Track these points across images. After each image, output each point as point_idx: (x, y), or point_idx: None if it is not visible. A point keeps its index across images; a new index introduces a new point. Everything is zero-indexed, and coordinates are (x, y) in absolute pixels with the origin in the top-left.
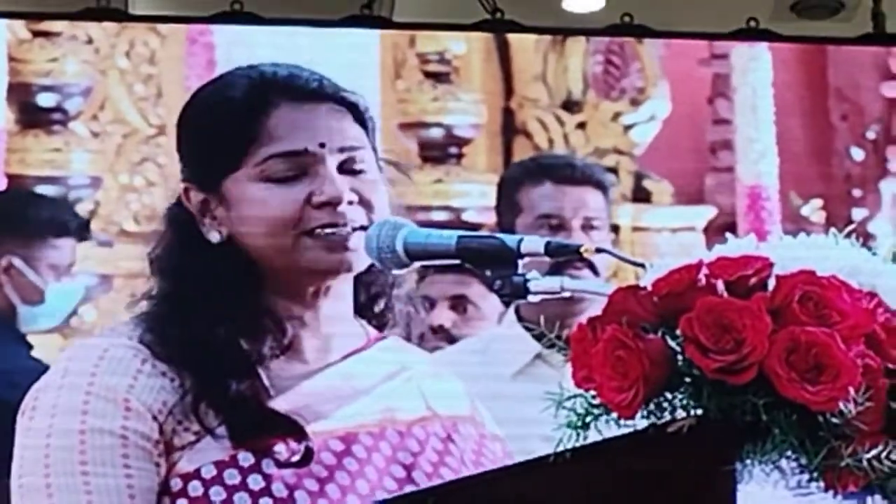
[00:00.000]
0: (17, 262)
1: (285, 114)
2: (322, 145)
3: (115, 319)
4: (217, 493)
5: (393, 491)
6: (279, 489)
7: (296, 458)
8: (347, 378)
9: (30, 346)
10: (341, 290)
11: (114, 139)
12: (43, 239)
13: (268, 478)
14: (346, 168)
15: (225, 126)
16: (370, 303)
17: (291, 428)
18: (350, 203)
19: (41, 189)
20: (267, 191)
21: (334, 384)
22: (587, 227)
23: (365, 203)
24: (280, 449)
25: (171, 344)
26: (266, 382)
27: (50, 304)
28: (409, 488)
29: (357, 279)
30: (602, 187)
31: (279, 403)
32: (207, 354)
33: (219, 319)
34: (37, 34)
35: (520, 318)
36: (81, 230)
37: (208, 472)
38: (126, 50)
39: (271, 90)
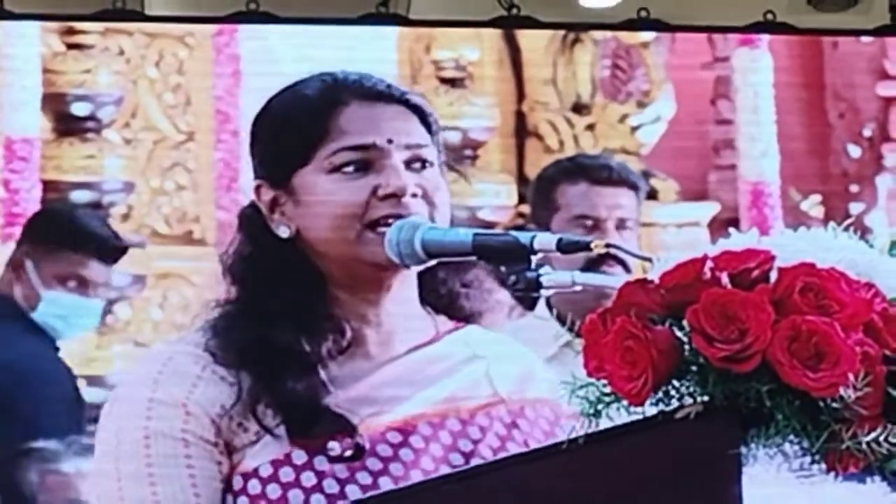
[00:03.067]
0: (28, 264)
1: (355, 112)
2: (390, 141)
3: (148, 316)
4: (273, 490)
5: None
6: (330, 485)
7: (347, 454)
8: (410, 371)
9: (52, 342)
10: (405, 285)
11: (145, 145)
12: (83, 255)
13: (320, 474)
14: (411, 165)
15: (297, 123)
16: (449, 296)
17: (343, 425)
18: (414, 196)
19: (76, 194)
20: (335, 183)
21: (396, 378)
22: (621, 227)
23: (428, 199)
24: (333, 445)
25: (232, 348)
26: (325, 379)
27: (74, 317)
28: None
29: (430, 273)
30: (635, 188)
31: (338, 399)
32: (267, 356)
33: (280, 321)
34: (71, 46)
35: (550, 309)
36: (118, 253)
37: (265, 471)
38: (156, 60)
39: (343, 91)
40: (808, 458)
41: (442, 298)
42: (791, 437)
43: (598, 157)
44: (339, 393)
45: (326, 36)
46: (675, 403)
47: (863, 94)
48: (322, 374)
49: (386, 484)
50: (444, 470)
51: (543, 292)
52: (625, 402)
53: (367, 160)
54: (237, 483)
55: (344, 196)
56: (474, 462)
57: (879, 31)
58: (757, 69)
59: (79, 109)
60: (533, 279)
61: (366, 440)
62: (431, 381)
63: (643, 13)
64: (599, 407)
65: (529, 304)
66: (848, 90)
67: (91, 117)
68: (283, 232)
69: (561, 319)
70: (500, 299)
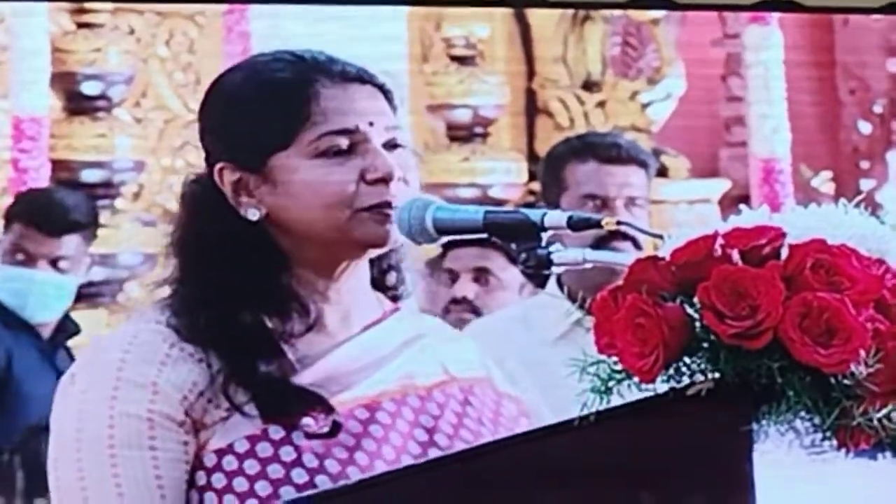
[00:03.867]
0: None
1: (335, 94)
2: (371, 124)
3: (160, 295)
4: (251, 465)
5: (417, 454)
6: (310, 459)
7: (324, 430)
8: (368, 349)
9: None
10: (360, 265)
11: (156, 124)
12: (23, 226)
13: (298, 449)
14: (388, 147)
15: (274, 106)
16: (383, 276)
17: (317, 402)
18: (398, 179)
19: (87, 173)
20: (321, 167)
21: (356, 355)
22: (630, 205)
23: (405, 180)
24: (308, 422)
25: (198, 326)
26: (291, 358)
27: (33, 294)
28: (432, 451)
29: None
30: (645, 165)
31: (305, 378)
32: (234, 335)
33: (245, 300)
34: (81, 25)
35: (561, 286)
36: (62, 225)
37: (241, 447)
38: (166, 39)
39: (316, 71)
40: (819, 435)
41: (382, 280)
42: (802, 413)
43: (607, 136)
44: (305, 372)
45: (338, 14)
46: (686, 380)
47: (873, 70)
48: (288, 352)
49: (361, 459)
50: (412, 445)
51: (555, 270)
52: (636, 380)
53: (350, 144)
54: (210, 460)
55: (332, 180)
56: (438, 437)
57: (887, 10)
58: (768, 46)
59: (89, 88)
60: (544, 257)
61: (341, 417)
62: (387, 359)
63: None
64: (610, 384)
65: (540, 282)
66: (859, 66)
67: (102, 96)
68: (253, 215)
69: (572, 297)
70: (417, 278)
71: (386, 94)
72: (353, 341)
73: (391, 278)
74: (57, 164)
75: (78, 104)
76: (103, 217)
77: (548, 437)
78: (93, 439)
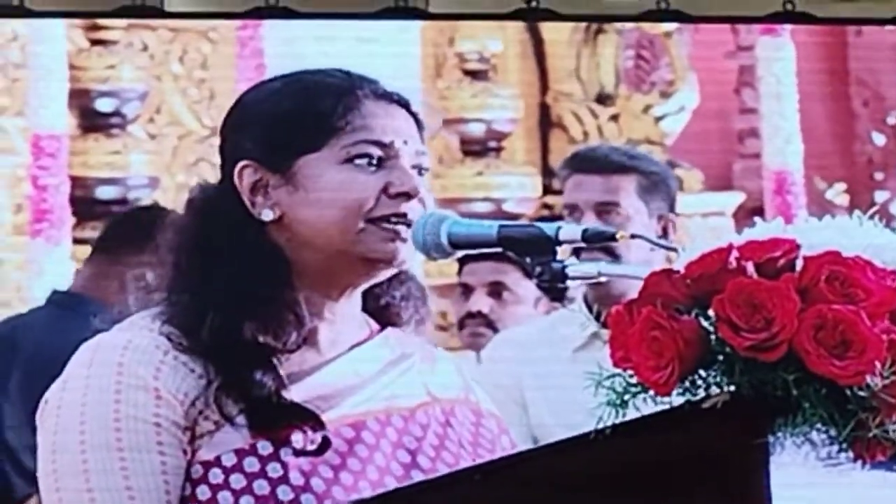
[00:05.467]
0: (150, 276)
1: (376, 108)
2: (405, 143)
3: None
4: (237, 480)
5: (400, 476)
6: (296, 477)
7: (312, 447)
8: (354, 368)
9: None
10: (358, 291)
11: (170, 141)
12: None
13: (285, 465)
14: (415, 170)
15: (314, 107)
16: (375, 300)
17: (308, 417)
18: (418, 200)
19: (102, 190)
20: (347, 173)
21: (343, 374)
22: (603, 212)
23: (423, 202)
24: (297, 438)
25: (193, 335)
26: (282, 372)
27: None
28: (414, 472)
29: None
30: (628, 170)
31: (294, 393)
32: (230, 346)
33: (245, 311)
34: (95, 42)
35: (584, 299)
36: None
37: (229, 460)
38: (180, 56)
39: (363, 86)
40: (835, 447)
41: (378, 304)
42: (818, 425)
43: (587, 148)
44: (294, 387)
45: (351, 29)
46: (701, 393)
47: (887, 81)
48: (279, 366)
49: (346, 478)
50: (394, 466)
51: (569, 283)
52: (651, 393)
53: (382, 157)
54: (196, 472)
55: (355, 187)
56: (420, 459)
57: None
58: (780, 58)
59: (103, 105)
60: (559, 270)
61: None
62: (372, 379)
63: (663, 5)
64: (626, 397)
65: (556, 296)
66: (872, 78)
67: (116, 113)
68: (266, 216)
69: (589, 309)
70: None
71: (418, 123)
72: (341, 359)
73: (381, 301)
74: (72, 182)
75: (92, 121)
76: None
77: (564, 452)
78: (100, 444)
